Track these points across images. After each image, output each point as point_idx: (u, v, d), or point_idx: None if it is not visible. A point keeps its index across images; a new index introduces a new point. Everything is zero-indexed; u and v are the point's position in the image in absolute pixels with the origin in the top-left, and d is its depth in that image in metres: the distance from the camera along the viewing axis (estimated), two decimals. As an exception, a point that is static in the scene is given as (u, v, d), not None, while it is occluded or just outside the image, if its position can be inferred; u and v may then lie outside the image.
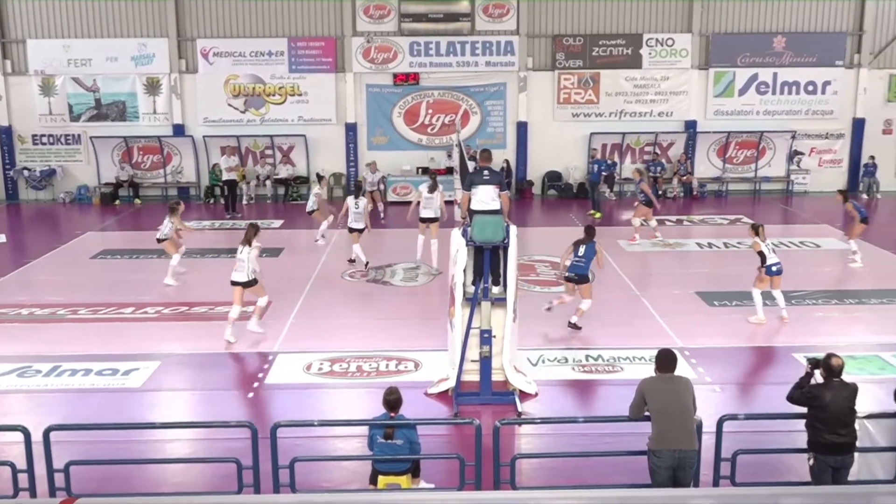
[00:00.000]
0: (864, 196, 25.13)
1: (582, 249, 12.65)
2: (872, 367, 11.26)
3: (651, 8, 25.19)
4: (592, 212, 22.18)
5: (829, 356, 7.27)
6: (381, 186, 23.36)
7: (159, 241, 16.05)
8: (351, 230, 16.57)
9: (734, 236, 19.56)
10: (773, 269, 13.13)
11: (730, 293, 14.64)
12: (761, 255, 13.13)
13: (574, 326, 12.65)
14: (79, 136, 25.48)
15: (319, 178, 20.46)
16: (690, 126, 25.73)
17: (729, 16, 25.28)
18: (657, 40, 25.26)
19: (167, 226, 15.85)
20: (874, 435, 7.66)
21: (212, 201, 25.03)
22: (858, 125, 25.84)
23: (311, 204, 19.27)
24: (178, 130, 25.43)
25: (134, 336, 12.96)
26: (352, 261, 16.93)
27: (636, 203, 19.40)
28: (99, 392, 10.81)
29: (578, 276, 12.64)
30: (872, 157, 25.35)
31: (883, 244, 18.36)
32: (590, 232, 12.94)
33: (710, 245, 19.00)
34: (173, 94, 25.22)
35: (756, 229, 13.32)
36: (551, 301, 13.17)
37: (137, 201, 25.20)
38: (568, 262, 12.74)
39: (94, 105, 25.36)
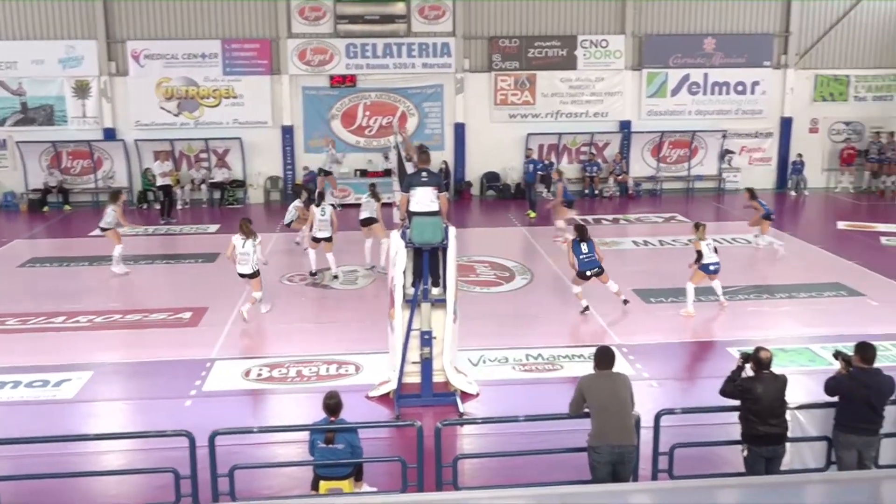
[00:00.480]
0: (793, 193, 25.87)
1: (585, 246, 13.41)
2: (803, 358, 11.59)
3: (585, 10, 25.50)
4: (529, 212, 22.34)
5: (759, 350, 7.48)
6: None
7: (103, 230, 16.42)
8: (316, 239, 15.98)
9: (669, 234, 19.93)
10: (711, 268, 13.54)
11: (666, 290, 14.90)
12: (699, 253, 13.46)
13: (625, 301, 13.81)
14: (4, 140, 24.66)
15: (300, 190, 19.85)
16: (625, 126, 26.13)
17: (660, 17, 25.75)
18: (591, 42, 25.59)
19: (110, 214, 16.23)
20: (805, 425, 7.89)
21: (145, 206, 24.53)
22: (786, 124, 26.58)
23: (289, 216, 18.21)
24: (109, 134, 24.83)
25: (65, 346, 12.60)
26: (313, 273, 16.15)
27: (551, 205, 19.62)
28: (29, 405, 10.49)
29: (598, 269, 13.41)
30: (800, 155, 26.10)
31: (811, 240, 18.93)
32: (582, 229, 13.81)
33: (645, 243, 19.32)
34: (103, 97, 24.62)
35: (697, 227, 13.79)
36: (586, 306, 13.67)
37: (67, 207, 24.52)
38: (576, 263, 13.41)
39: (20, 109, 24.60)
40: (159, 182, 22.34)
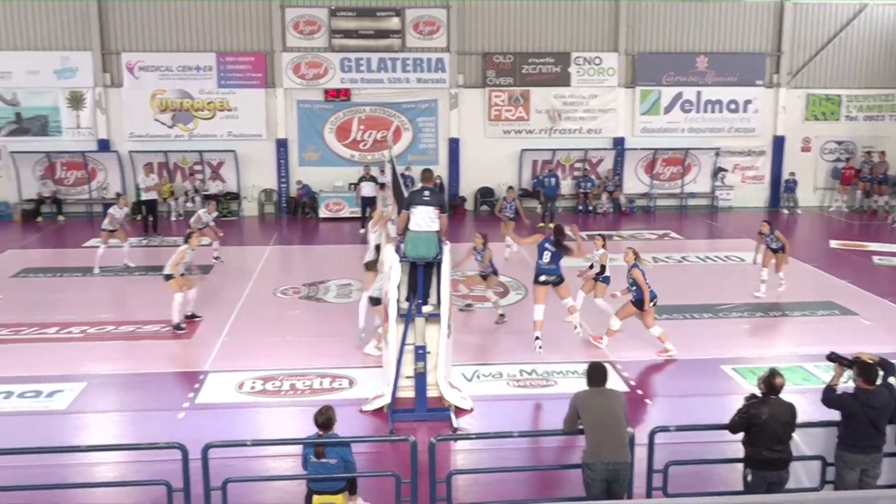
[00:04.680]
0: (785, 212, 26.00)
1: (549, 255, 12.57)
2: (796, 377, 11.59)
3: (579, 27, 25.68)
4: (543, 224, 22.08)
5: (774, 374, 7.38)
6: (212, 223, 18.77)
7: (110, 231, 17.60)
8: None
9: (663, 251, 19.99)
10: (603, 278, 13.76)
11: (659, 307, 14.88)
12: (603, 267, 13.74)
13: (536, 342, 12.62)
14: (-2, 150, 24.67)
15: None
16: (618, 143, 26.27)
17: (653, 36, 25.95)
18: (585, 59, 25.75)
19: (121, 213, 17.81)
20: (799, 444, 7.88)
21: (139, 217, 24.46)
22: (779, 142, 26.76)
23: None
24: (104, 145, 24.83)
25: (58, 357, 12.54)
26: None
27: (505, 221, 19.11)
28: (22, 415, 10.43)
29: (557, 278, 12.70)
30: (793, 174, 26.27)
31: (803, 258, 18.99)
32: (558, 231, 12.69)
33: (638, 259, 19.32)
34: (98, 108, 24.63)
35: (636, 255, 12.86)
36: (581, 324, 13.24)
37: (61, 218, 24.48)
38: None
39: (15, 119, 24.60)
40: (143, 196, 22.16)
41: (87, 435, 10.09)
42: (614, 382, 10.36)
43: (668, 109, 26.31)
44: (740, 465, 7.51)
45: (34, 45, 24.25)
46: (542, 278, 12.66)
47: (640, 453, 7.73)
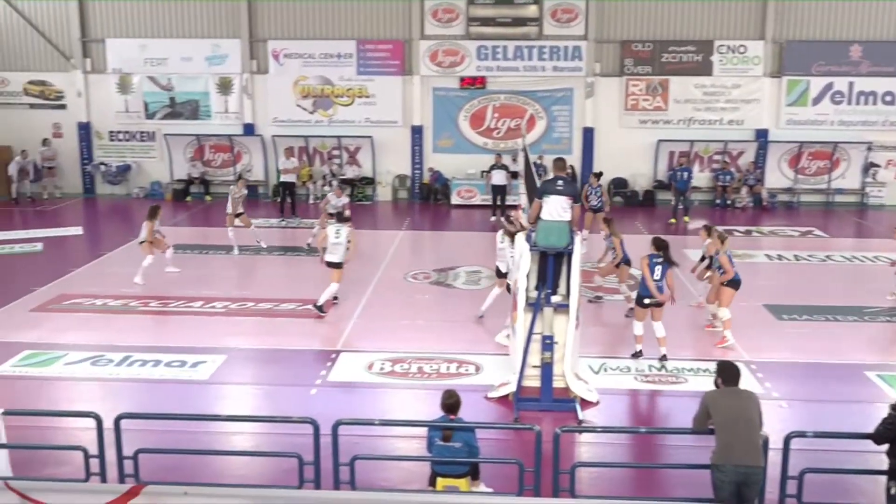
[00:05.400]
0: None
1: (660, 270, 11.71)
2: (949, 388, 10.88)
3: (723, 14, 24.76)
4: (686, 218, 21.50)
5: None
6: (346, 213, 17.10)
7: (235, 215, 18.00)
8: (329, 263, 14.00)
9: (805, 249, 19.11)
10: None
11: (799, 307, 14.31)
12: (712, 263, 13.02)
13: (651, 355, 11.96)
14: (153, 133, 26.16)
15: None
16: (761, 135, 25.21)
17: (804, 22, 24.70)
18: (728, 47, 24.82)
19: (144, 228, 16.02)
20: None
21: (277, 199, 25.44)
22: (939, 138, 25.00)
23: None
24: (249, 130, 25.92)
25: (202, 329, 13.27)
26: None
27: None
28: (167, 383, 11.10)
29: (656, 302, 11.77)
30: (953, 171, 24.52)
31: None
32: (662, 245, 11.84)
33: (779, 257, 18.58)
34: (244, 93, 25.72)
35: (722, 239, 12.72)
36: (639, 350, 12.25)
37: (208, 198, 25.78)
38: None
39: (169, 103, 26.02)
40: (282, 178, 23.05)
41: (225, 405, 10.64)
42: (749, 383, 10.00)
43: (816, 101, 25.00)
44: (883, 478, 7.11)
45: (188, 32, 25.53)
46: (647, 301, 11.70)
47: (774, 458, 7.45)
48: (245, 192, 19.10)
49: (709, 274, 13.34)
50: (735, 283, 12.43)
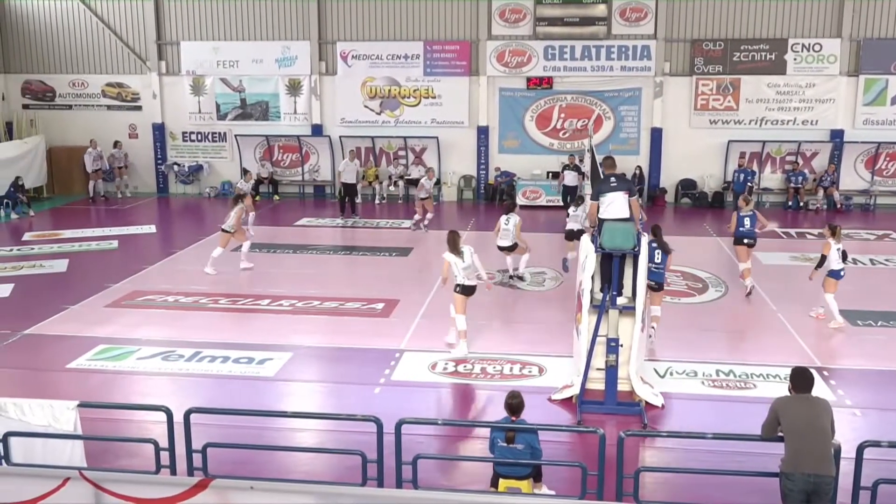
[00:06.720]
0: None
1: (658, 256, 12.09)
2: None
3: (797, 11, 24.15)
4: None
5: None
6: (436, 191, 19.92)
7: (224, 231, 16.92)
8: (501, 248, 15.92)
9: (882, 253, 18.51)
10: (842, 274, 13.14)
11: (875, 312, 13.87)
12: (823, 257, 13.11)
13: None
14: (224, 133, 26.74)
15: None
16: (836, 135, 24.50)
17: (883, 20, 23.91)
18: (803, 45, 24.19)
19: (232, 216, 16.78)
20: None
21: (337, 199, 25.72)
22: None
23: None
24: (317, 130, 26.28)
25: (269, 327, 13.49)
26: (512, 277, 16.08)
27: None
28: (235, 379, 11.32)
29: (657, 284, 12.20)
30: None
31: None
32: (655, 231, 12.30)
33: (854, 261, 17.99)
34: (313, 95, 26.09)
35: (833, 230, 13.21)
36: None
37: (276, 197, 26.23)
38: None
39: (240, 105, 26.56)
40: (343, 179, 23.26)
41: (290, 402, 10.79)
42: (821, 390, 9.74)
43: (895, 100, 24.20)
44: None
45: (259, 35, 26.02)
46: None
47: (846, 468, 7.23)
48: (250, 185, 19.51)
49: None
50: (835, 274, 13.07)
